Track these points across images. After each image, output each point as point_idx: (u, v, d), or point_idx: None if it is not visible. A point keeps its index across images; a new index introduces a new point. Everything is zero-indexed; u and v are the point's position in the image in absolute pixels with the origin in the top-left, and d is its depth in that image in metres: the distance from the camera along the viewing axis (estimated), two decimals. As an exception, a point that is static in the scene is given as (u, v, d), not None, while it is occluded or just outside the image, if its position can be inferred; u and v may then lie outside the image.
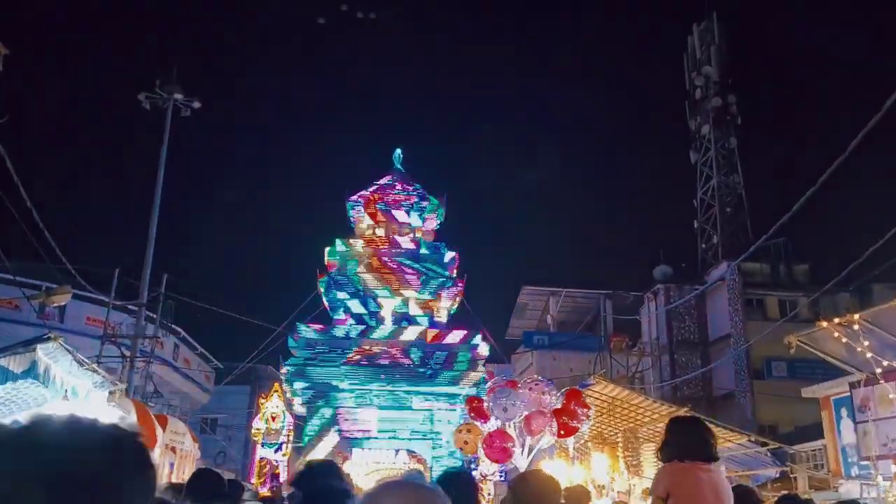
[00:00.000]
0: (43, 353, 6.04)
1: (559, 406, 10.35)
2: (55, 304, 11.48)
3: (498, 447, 10.84)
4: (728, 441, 13.00)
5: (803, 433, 18.42)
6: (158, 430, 9.75)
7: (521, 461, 10.11)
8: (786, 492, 12.00)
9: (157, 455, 9.69)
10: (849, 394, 9.91)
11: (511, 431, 11.04)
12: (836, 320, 7.91)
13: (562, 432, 10.32)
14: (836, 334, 7.90)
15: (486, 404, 11.49)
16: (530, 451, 10.31)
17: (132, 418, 8.79)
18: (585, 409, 10.29)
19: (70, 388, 6.88)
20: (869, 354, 7.81)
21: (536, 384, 10.98)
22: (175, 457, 11.45)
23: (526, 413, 10.52)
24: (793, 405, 26.27)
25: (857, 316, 7.77)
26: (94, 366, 7.63)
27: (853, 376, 9.43)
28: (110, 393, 8.26)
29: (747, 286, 31.94)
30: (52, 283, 14.57)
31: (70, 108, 64.33)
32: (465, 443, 11.89)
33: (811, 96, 60.28)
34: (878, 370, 8.15)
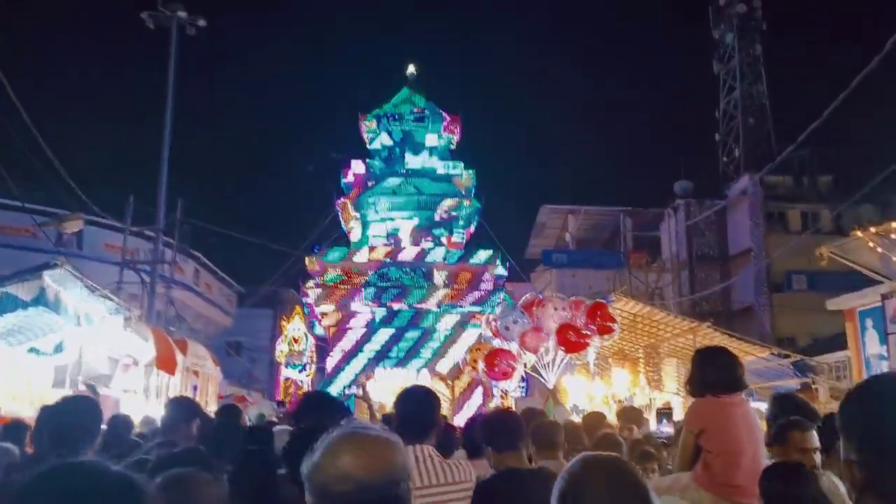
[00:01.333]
0: (51, 279, 5.94)
1: (583, 321, 10.24)
2: (68, 231, 11.39)
3: (498, 366, 10.81)
4: (750, 354, 12.91)
5: (823, 345, 18.33)
6: (179, 355, 9.80)
7: (551, 377, 10.10)
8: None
9: (177, 378, 9.78)
10: (876, 305, 9.69)
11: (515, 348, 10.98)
12: (873, 230, 7.63)
13: (564, 348, 10.24)
14: (871, 244, 7.63)
15: (494, 324, 11.42)
16: (558, 366, 10.26)
17: (150, 343, 8.83)
18: (611, 322, 10.19)
19: (84, 315, 6.84)
20: (904, 264, 7.57)
21: (555, 301, 10.86)
22: (198, 379, 11.58)
23: (521, 332, 10.46)
24: (811, 317, 26.18)
25: (894, 224, 7.46)
26: (107, 292, 7.57)
27: (882, 287, 9.19)
28: (126, 319, 8.24)
29: (769, 199, 31.45)
30: (67, 212, 14.50)
31: (72, 29, 63.07)
32: (476, 361, 11.89)
33: (841, 1, 57.78)
34: (914, 280, 7.89)
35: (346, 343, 24.27)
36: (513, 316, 10.59)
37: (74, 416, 3.11)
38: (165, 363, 9.00)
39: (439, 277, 24.25)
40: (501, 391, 20.74)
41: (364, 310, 24.13)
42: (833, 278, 27.63)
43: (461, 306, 23.92)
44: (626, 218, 33.92)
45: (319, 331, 24.73)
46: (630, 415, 6.13)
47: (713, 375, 3.83)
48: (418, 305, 24.01)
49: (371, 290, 24.01)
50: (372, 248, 24.94)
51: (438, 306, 23.94)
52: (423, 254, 24.75)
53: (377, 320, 24.16)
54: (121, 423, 5.09)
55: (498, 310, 18.09)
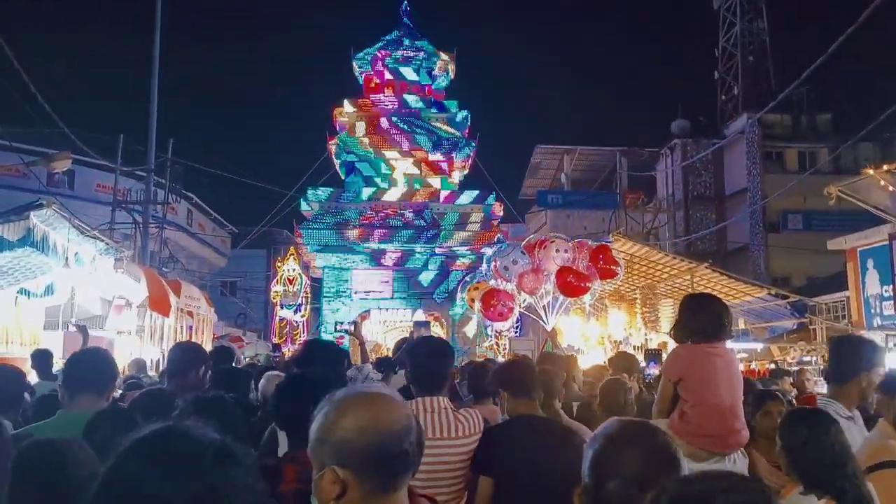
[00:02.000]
0: (38, 219, 5.75)
1: (585, 263, 10.09)
2: (56, 170, 11.15)
3: (495, 307, 10.68)
4: (747, 294, 12.87)
5: (818, 286, 18.35)
6: (172, 296, 9.68)
7: (550, 319, 10.01)
8: (805, 341, 11.97)
9: (171, 319, 9.68)
10: (878, 244, 9.56)
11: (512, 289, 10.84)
12: (886, 167, 7.44)
13: (564, 291, 10.08)
14: (883, 182, 7.45)
15: (494, 263, 11.25)
16: (557, 309, 10.17)
17: (142, 284, 8.69)
18: (614, 266, 10.04)
19: (74, 256, 6.68)
20: (916, 203, 7.41)
21: (553, 242, 10.67)
22: (192, 320, 11.51)
23: (520, 272, 10.28)
24: (807, 258, 26.25)
25: None
26: (96, 232, 7.40)
27: (889, 227, 9.05)
28: (117, 260, 8.08)
29: (767, 138, 31.12)
30: (57, 151, 14.19)
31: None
32: (473, 300, 11.80)
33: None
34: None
35: (341, 284, 24.25)
36: (513, 256, 10.40)
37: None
38: (159, 304, 8.90)
39: (436, 217, 24.11)
40: (496, 331, 20.86)
41: (358, 250, 24.05)
42: (829, 218, 27.64)
43: (457, 247, 23.85)
44: (622, 158, 33.58)
45: (316, 272, 24.68)
46: (622, 362, 5.86)
47: (697, 322, 3.74)
48: (413, 245, 23.93)
49: (365, 230, 23.89)
50: (367, 189, 24.72)
51: (434, 246, 23.87)
52: (418, 193, 24.56)
53: (371, 261, 24.10)
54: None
55: (495, 249, 18.00)
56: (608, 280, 10.38)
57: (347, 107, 25.79)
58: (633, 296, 13.84)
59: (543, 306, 10.19)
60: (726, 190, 32.06)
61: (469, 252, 23.66)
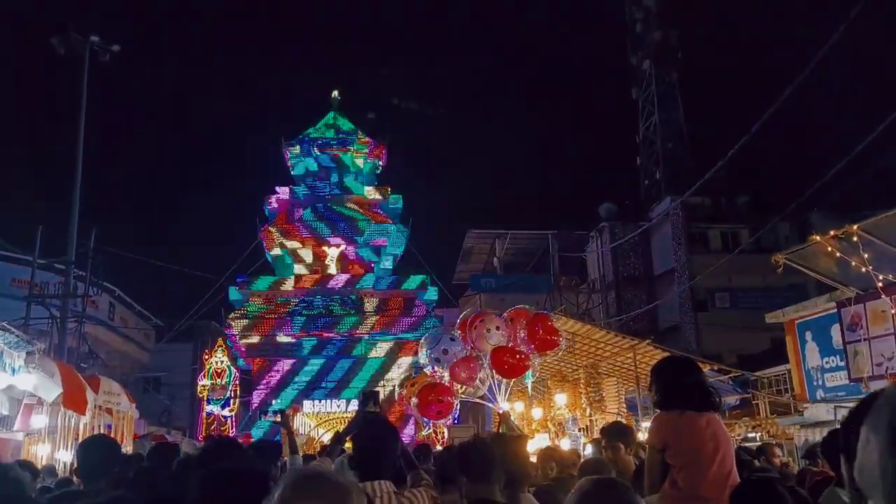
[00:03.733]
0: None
1: (524, 335, 9.69)
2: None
3: (433, 404, 10.00)
4: (689, 372, 12.78)
5: (749, 361, 18.60)
6: (89, 392, 8.96)
7: (500, 401, 9.53)
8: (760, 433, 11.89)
9: (88, 418, 8.91)
10: (820, 314, 9.65)
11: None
12: (833, 233, 7.55)
13: (503, 369, 9.58)
14: (830, 249, 7.54)
15: (421, 352, 10.69)
16: (506, 390, 9.72)
17: (56, 380, 8.00)
18: (556, 336, 9.68)
19: (-20, 350, 6.06)
20: (865, 268, 7.47)
21: (483, 320, 10.22)
22: (111, 418, 10.70)
23: (451, 363, 9.77)
24: (735, 335, 26.79)
25: (855, 227, 7.38)
26: (4, 323, 6.78)
27: (836, 293, 9.15)
28: (29, 353, 7.42)
29: (690, 220, 32.14)
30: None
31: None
32: (409, 398, 11.23)
33: (754, 28, 60.38)
34: (879, 284, 7.82)
35: (273, 375, 23.39)
36: (443, 345, 9.87)
37: None
38: (74, 401, 8.15)
39: (369, 304, 23.69)
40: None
41: (292, 340, 23.33)
42: (754, 295, 28.47)
43: (393, 333, 23.38)
44: (553, 241, 34.10)
45: (244, 364, 23.75)
46: (614, 431, 5.28)
47: (678, 388, 3.53)
48: (349, 333, 23.37)
49: (299, 319, 23.24)
50: (298, 277, 24.21)
51: (369, 334, 23.35)
52: (351, 280, 24.17)
53: (306, 351, 23.37)
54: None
55: (427, 335, 17.60)
56: (549, 352, 9.98)
57: (279, 193, 25.53)
58: (576, 376, 13.64)
59: (485, 392, 9.67)
60: (655, 270, 32.78)
61: (406, 338, 23.17)
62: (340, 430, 4.10)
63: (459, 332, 10.36)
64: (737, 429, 11.88)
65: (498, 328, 9.76)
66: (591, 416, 12.84)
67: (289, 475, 1.55)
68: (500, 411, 8.46)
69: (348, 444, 3.62)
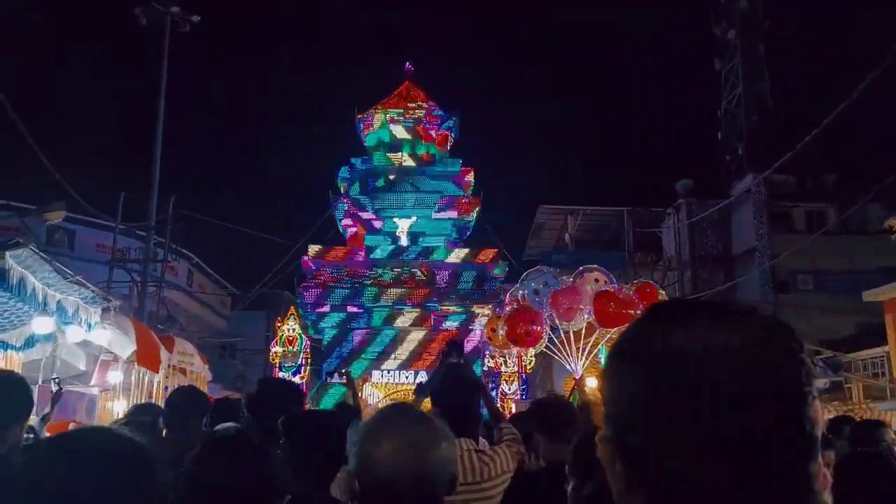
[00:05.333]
0: (14, 260, 5.29)
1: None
2: (51, 221, 10.79)
3: (521, 328, 9.65)
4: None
5: (833, 347, 17.78)
6: (163, 352, 9.17)
7: (577, 366, 9.22)
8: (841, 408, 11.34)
9: (161, 376, 9.13)
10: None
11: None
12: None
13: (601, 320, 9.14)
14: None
15: (519, 293, 10.36)
16: (586, 354, 9.44)
17: (130, 337, 8.19)
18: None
19: (55, 303, 6.20)
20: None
21: (591, 271, 9.84)
22: (185, 378, 10.96)
23: (554, 290, 9.41)
24: (818, 318, 25.72)
25: None
26: (79, 278, 6.94)
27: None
28: (104, 310, 7.60)
29: (773, 198, 30.88)
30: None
31: (64, 25, 62.21)
32: (493, 331, 11.01)
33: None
34: None
35: (344, 345, 23.67)
36: (544, 278, 9.56)
37: None
38: (148, 359, 8.36)
39: (441, 277, 23.66)
40: (501, 393, 20.12)
41: (362, 311, 23.53)
42: (840, 277, 27.23)
43: (465, 306, 23.31)
44: (628, 217, 33.35)
45: (314, 333, 24.11)
46: None
47: None
48: (420, 304, 23.42)
49: (371, 289, 23.40)
50: (371, 248, 24.35)
51: (441, 306, 23.34)
52: (424, 252, 24.17)
53: (377, 321, 23.55)
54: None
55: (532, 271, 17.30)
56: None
57: (352, 164, 25.69)
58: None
59: (570, 353, 9.34)
60: (734, 249, 31.72)
61: (480, 312, 23.03)
62: (423, 382, 3.97)
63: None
64: (825, 413, 11.33)
65: (597, 280, 9.52)
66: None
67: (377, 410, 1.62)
68: (577, 377, 8.21)
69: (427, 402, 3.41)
